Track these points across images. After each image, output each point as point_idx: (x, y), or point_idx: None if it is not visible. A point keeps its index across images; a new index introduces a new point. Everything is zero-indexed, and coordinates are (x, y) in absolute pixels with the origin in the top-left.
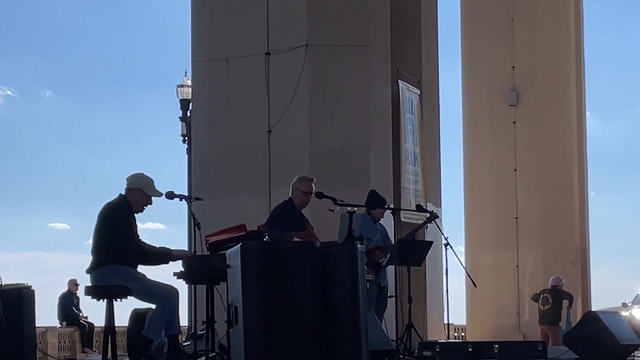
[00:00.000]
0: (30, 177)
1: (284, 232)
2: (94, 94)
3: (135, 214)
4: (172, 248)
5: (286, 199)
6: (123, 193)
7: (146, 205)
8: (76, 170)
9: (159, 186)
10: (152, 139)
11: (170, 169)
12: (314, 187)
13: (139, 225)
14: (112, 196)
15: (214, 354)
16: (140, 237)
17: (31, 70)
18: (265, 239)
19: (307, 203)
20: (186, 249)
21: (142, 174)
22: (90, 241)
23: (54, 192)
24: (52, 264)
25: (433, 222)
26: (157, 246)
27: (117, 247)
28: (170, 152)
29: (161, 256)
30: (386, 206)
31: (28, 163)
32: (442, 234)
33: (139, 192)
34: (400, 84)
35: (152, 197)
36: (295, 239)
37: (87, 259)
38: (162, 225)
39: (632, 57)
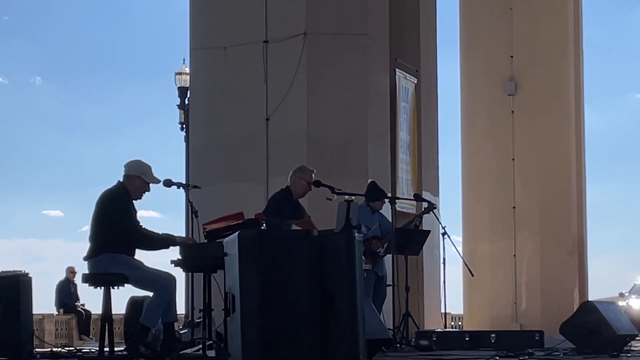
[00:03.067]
0: (21, 164)
1: (283, 221)
2: (86, 81)
3: (134, 201)
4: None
5: (283, 187)
6: (121, 180)
7: (144, 192)
8: (69, 157)
9: (157, 174)
10: (149, 126)
11: (168, 157)
12: (314, 177)
13: None
14: (108, 183)
15: (211, 341)
16: (140, 223)
17: (21, 56)
18: (262, 227)
19: (306, 193)
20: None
21: (140, 160)
22: (85, 228)
23: (46, 179)
24: (46, 252)
25: (431, 211)
26: (160, 232)
27: (114, 235)
28: (168, 139)
29: (163, 241)
30: (385, 198)
31: (19, 150)
32: (440, 223)
33: (138, 180)
34: (397, 73)
35: (150, 184)
36: (294, 228)
37: (82, 247)
38: (156, 213)
39: (622, 47)
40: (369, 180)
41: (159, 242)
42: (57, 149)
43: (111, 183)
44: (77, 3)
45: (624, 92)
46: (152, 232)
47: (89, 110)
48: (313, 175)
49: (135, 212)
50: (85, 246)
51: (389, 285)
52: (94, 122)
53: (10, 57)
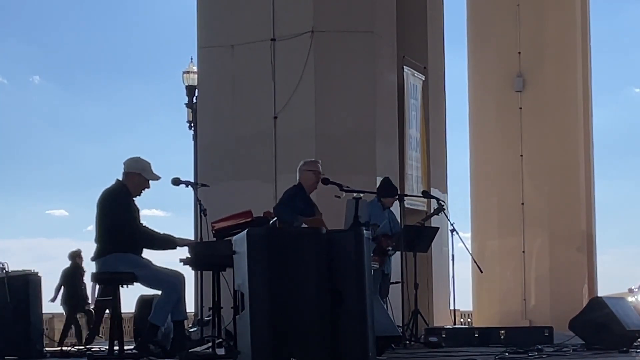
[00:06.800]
0: (23, 163)
1: (294, 216)
2: (90, 81)
3: (135, 199)
4: (175, 236)
5: (295, 184)
6: (120, 179)
7: (144, 189)
8: (71, 157)
9: (164, 173)
10: (157, 125)
11: (176, 155)
12: (320, 167)
13: None
14: (112, 182)
15: (220, 340)
16: (142, 222)
17: (18, 55)
18: (271, 225)
19: (317, 184)
20: (192, 235)
21: (139, 157)
22: (91, 228)
23: (48, 179)
24: (54, 251)
25: (440, 212)
26: (161, 233)
27: (119, 235)
28: (176, 138)
29: (165, 242)
30: (397, 196)
31: (20, 150)
32: (448, 220)
33: (137, 177)
34: (405, 70)
35: (150, 181)
36: (304, 225)
37: (89, 246)
38: (160, 212)
39: (619, 42)
40: (384, 177)
41: (160, 242)
42: (58, 148)
43: None
44: (81, 2)
45: (623, 87)
46: (153, 231)
47: (92, 110)
48: (319, 165)
49: (138, 211)
50: (92, 245)
51: (398, 282)
52: (99, 122)
53: (7, 57)
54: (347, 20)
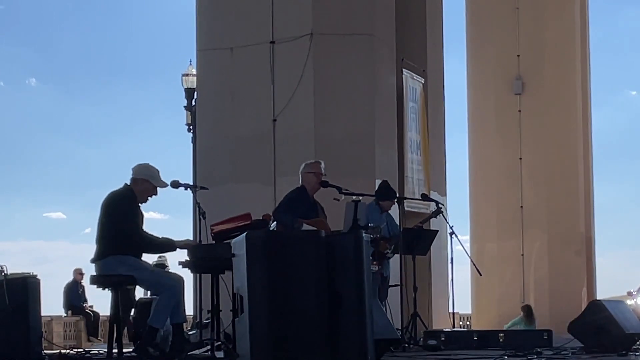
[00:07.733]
0: (19, 166)
1: (293, 218)
2: (88, 83)
3: (140, 204)
4: (174, 239)
5: (298, 186)
6: (128, 183)
7: (151, 196)
8: (68, 159)
9: (164, 175)
10: (156, 128)
11: (175, 158)
12: (323, 169)
13: None
14: (111, 185)
15: (219, 342)
16: (143, 228)
17: (13, 57)
18: (270, 228)
19: (319, 186)
20: (191, 238)
21: (148, 164)
22: (88, 230)
23: (46, 181)
24: (52, 253)
25: (437, 215)
26: (160, 237)
27: (120, 237)
28: (175, 141)
29: (165, 246)
30: (395, 199)
31: (16, 152)
32: (447, 223)
33: (145, 183)
34: (404, 73)
35: (158, 188)
36: (305, 227)
37: (87, 248)
38: (157, 214)
39: (614, 45)
40: (382, 180)
41: (160, 247)
42: (56, 151)
43: (114, 185)
44: (78, 4)
45: (618, 90)
46: (153, 236)
47: (90, 112)
48: (320, 165)
49: (142, 216)
50: (90, 248)
51: (397, 285)
52: (96, 124)
53: (3, 59)
54: (347, 23)
